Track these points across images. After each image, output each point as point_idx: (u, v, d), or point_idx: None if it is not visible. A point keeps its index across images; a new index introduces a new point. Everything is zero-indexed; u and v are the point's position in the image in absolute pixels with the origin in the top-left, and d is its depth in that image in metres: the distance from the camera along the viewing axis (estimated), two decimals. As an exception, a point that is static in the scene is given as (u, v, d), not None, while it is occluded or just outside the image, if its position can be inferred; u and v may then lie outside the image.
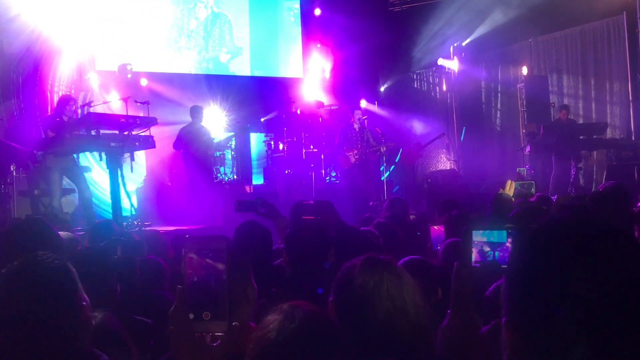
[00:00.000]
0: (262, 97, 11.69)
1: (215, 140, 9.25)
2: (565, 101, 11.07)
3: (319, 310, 1.47)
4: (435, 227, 3.03)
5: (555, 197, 5.91)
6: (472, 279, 1.24)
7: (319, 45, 12.44)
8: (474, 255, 1.27)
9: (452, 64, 12.00)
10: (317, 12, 12.49)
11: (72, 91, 9.46)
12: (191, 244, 1.26)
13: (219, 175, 9.84)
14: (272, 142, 10.80)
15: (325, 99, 11.97)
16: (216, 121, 10.60)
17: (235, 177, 10.68)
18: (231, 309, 1.24)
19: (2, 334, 1.56)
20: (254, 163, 11.69)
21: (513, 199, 3.95)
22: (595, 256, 0.90)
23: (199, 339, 1.24)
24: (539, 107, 11.03)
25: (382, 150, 9.57)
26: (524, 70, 11.53)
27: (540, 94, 11.17)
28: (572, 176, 9.32)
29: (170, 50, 11.19)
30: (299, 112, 11.07)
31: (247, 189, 10.44)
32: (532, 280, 0.93)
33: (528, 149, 10.09)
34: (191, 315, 1.23)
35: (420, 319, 1.60)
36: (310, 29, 12.52)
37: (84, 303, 1.67)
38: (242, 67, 11.84)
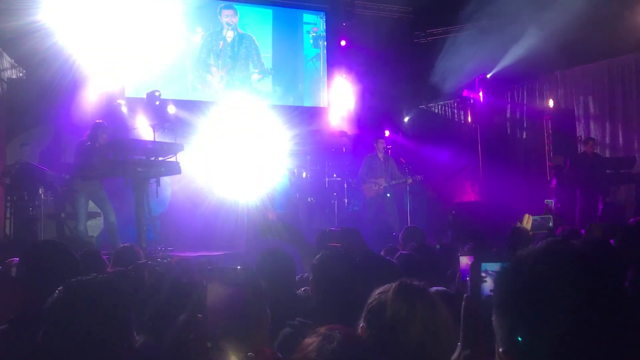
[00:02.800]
0: (287, 125, 11.77)
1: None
2: (592, 134, 10.95)
3: (355, 333, 1.48)
4: (465, 259, 2.98)
5: (583, 231, 5.81)
6: (482, 310, 1.24)
7: (343, 76, 12.55)
8: (490, 285, 1.28)
9: (477, 96, 11.99)
10: (343, 43, 12.63)
11: (102, 117, 9.66)
12: (212, 274, 1.27)
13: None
14: (295, 170, 10.84)
15: (349, 128, 12.03)
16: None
17: (258, 203, 10.71)
18: (248, 339, 1.25)
19: (54, 349, 1.56)
20: (277, 190, 11.72)
21: (531, 233, 3.91)
22: (577, 281, 0.96)
23: None
24: (565, 140, 10.92)
25: (408, 182, 9.56)
26: (550, 103, 11.47)
27: (567, 127, 11.08)
28: (600, 210, 9.17)
29: (199, 73, 11.40)
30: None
31: (270, 215, 10.43)
32: (517, 308, 0.99)
33: (554, 182, 9.97)
34: (209, 344, 1.24)
35: (454, 346, 1.60)
36: (335, 59, 12.65)
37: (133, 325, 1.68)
38: (267, 88, 12.01)
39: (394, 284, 1.76)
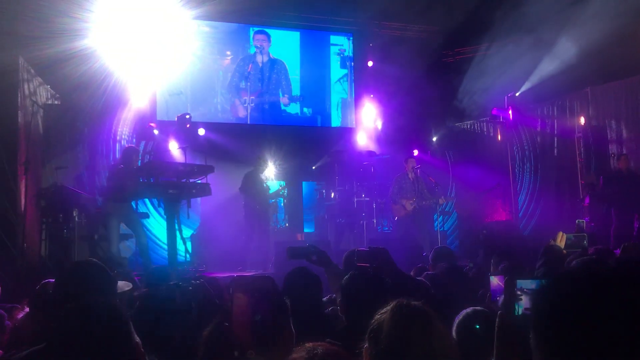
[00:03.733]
0: (315, 146, 11.86)
1: (271, 190, 9.37)
2: (625, 152, 10.73)
3: (338, 349, 1.50)
4: (495, 279, 2.94)
5: (618, 251, 5.69)
6: (515, 328, 1.24)
7: (371, 96, 12.59)
8: (525, 302, 1.28)
9: (507, 114, 11.89)
10: (370, 64, 12.70)
11: (134, 140, 9.87)
12: (238, 284, 1.29)
13: (271, 222, 9.94)
14: (323, 191, 10.86)
15: (377, 148, 12.03)
16: (270, 170, 10.79)
17: (287, 225, 10.76)
18: (273, 347, 1.27)
19: None
20: (306, 211, 11.76)
21: (565, 251, 3.83)
22: (618, 305, 0.95)
23: None
24: (597, 157, 10.74)
25: (440, 202, 9.53)
26: (582, 120, 11.31)
27: (599, 144, 10.90)
28: (636, 229, 8.95)
29: (229, 95, 11.57)
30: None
31: (299, 236, 10.49)
32: (556, 328, 0.98)
33: (587, 200, 9.79)
34: (236, 353, 1.26)
35: None
36: (362, 79, 12.72)
37: (137, 342, 1.72)
38: (295, 110, 12.12)
39: (391, 304, 1.77)
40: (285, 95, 12.02)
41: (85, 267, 2.46)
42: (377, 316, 1.77)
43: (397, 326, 1.68)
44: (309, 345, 1.48)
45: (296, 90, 12.12)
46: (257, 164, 9.05)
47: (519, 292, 1.31)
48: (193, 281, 2.81)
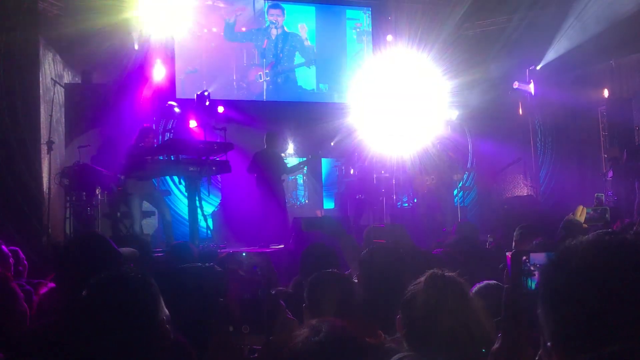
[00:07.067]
0: (333, 122, 11.79)
1: (289, 165, 9.35)
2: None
3: (345, 325, 1.49)
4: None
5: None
6: (524, 303, 1.23)
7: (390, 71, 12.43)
8: (537, 276, 1.28)
9: (529, 87, 11.71)
10: (389, 38, 12.53)
11: (154, 118, 9.94)
12: (234, 260, 1.32)
13: (290, 199, 9.96)
14: (342, 167, 10.84)
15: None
16: (288, 147, 10.79)
17: (306, 201, 10.79)
18: (269, 324, 1.28)
19: (86, 344, 1.62)
20: (325, 188, 11.76)
21: (585, 225, 3.77)
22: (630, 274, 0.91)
23: (237, 351, 1.28)
24: (621, 131, 10.55)
25: (455, 177, 9.47)
26: (605, 93, 11.09)
27: (623, 118, 10.70)
28: (660, 203, 8.82)
29: (244, 72, 11.53)
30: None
31: (318, 213, 10.52)
32: (564, 301, 0.95)
33: (610, 174, 9.66)
34: (231, 328, 1.28)
35: (484, 335, 1.60)
36: (380, 54, 12.56)
37: (164, 317, 1.72)
38: (311, 86, 12.05)
39: (425, 275, 1.79)
40: (301, 70, 11.92)
41: (86, 239, 2.45)
42: (411, 287, 1.80)
43: (432, 296, 1.70)
44: (312, 322, 1.48)
45: (309, 62, 12.01)
46: (265, 143, 8.90)
47: (532, 268, 1.30)
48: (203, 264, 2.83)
